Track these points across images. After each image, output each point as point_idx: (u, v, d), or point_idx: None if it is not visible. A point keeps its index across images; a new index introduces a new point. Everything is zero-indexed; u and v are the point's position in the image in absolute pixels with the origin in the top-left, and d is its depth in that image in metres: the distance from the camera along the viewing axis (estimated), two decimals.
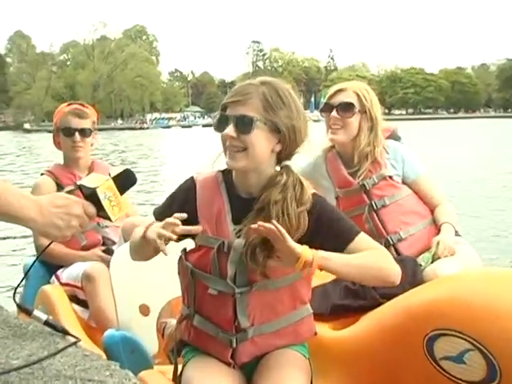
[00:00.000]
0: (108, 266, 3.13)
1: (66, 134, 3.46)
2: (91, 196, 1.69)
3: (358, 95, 2.82)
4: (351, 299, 2.50)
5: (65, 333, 1.80)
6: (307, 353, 1.97)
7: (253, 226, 1.67)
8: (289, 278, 1.85)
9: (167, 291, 2.53)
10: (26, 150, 34.33)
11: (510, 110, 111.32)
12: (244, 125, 1.77)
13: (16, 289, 1.89)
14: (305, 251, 1.68)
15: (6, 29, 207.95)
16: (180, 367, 1.96)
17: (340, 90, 2.86)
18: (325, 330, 2.32)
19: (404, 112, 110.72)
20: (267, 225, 1.65)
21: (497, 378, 1.80)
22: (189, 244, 1.94)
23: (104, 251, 3.32)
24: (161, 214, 1.90)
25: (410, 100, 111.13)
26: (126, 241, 2.97)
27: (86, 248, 3.32)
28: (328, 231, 1.82)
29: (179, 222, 1.71)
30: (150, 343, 2.54)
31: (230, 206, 1.87)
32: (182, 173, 1.93)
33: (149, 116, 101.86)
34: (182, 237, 1.83)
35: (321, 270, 1.75)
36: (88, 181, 1.75)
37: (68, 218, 1.60)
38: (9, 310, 2.05)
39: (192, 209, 1.87)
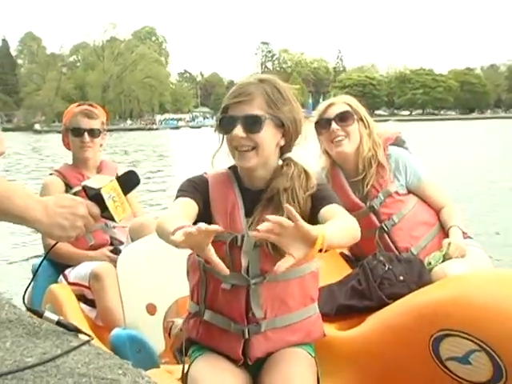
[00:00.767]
0: (115, 265, 3.17)
1: (75, 134, 3.48)
2: (95, 197, 1.70)
3: (349, 105, 2.84)
4: (357, 300, 2.50)
5: (78, 331, 1.83)
6: (313, 351, 1.99)
7: (261, 227, 1.49)
8: (298, 270, 1.88)
9: (174, 291, 2.54)
10: (35, 151, 34.39)
11: None
12: (253, 124, 1.82)
13: (25, 291, 1.90)
14: (319, 231, 1.52)
15: (17, 30, 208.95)
16: (186, 366, 1.97)
17: (330, 105, 2.86)
18: (331, 331, 2.32)
19: (413, 113, 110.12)
20: (275, 218, 1.48)
21: (502, 379, 1.81)
22: None
23: (112, 251, 3.35)
24: (183, 193, 1.88)
25: (419, 101, 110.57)
26: (133, 240, 3.00)
27: (93, 248, 3.36)
28: (319, 198, 1.87)
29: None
30: (157, 342, 2.55)
31: (242, 199, 1.91)
32: (193, 172, 1.95)
33: (158, 117, 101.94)
34: None
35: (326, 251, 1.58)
36: (92, 182, 1.77)
37: (73, 219, 1.60)
38: (22, 308, 2.08)
39: (205, 202, 1.91)
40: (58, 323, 1.82)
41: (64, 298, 3.12)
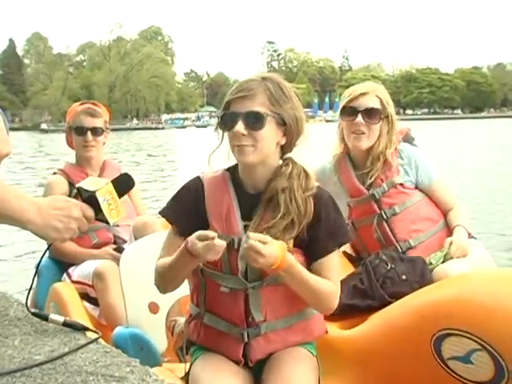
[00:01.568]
0: (119, 264, 3.18)
1: (78, 133, 3.47)
2: (90, 199, 1.70)
3: (380, 100, 2.80)
4: (359, 299, 2.50)
5: (85, 330, 1.84)
6: (315, 350, 1.98)
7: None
8: None
9: (176, 289, 2.54)
10: (39, 151, 34.45)
11: None
12: (255, 121, 1.79)
13: (28, 295, 1.90)
14: (281, 254, 1.70)
15: (24, 30, 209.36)
16: (188, 365, 1.97)
17: (363, 94, 2.80)
18: (333, 330, 2.31)
19: (419, 112, 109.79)
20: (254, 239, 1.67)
21: (504, 379, 1.80)
22: None
23: (115, 249, 3.35)
24: (172, 212, 1.94)
25: (425, 100, 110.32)
26: (136, 239, 3.01)
27: (97, 246, 3.37)
28: (324, 228, 1.86)
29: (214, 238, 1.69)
30: (159, 341, 2.54)
31: (238, 202, 1.89)
32: (197, 171, 1.96)
33: (164, 116, 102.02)
34: None
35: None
36: (87, 184, 1.76)
37: (67, 221, 1.60)
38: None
39: (201, 207, 1.90)
40: (65, 324, 1.83)
41: (68, 297, 3.13)
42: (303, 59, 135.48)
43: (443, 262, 2.60)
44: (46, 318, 1.85)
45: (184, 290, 2.41)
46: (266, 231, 1.78)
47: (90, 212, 1.69)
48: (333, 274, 1.88)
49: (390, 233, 2.79)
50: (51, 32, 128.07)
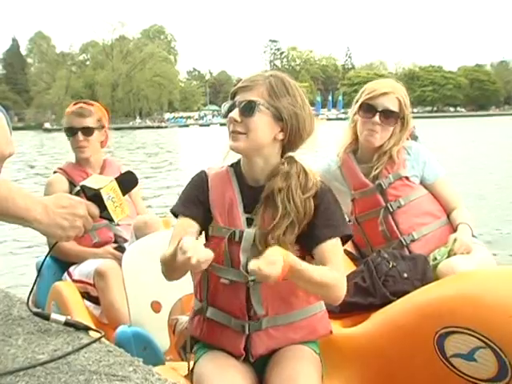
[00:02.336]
0: (120, 263, 3.18)
1: (69, 134, 3.46)
2: (94, 197, 1.71)
3: (399, 102, 2.80)
4: (361, 297, 2.50)
5: (87, 329, 1.84)
6: (318, 348, 1.98)
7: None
8: None
9: (178, 288, 2.52)
10: (37, 150, 34.53)
11: None
12: (248, 108, 1.83)
13: (30, 295, 1.90)
14: (284, 264, 1.65)
15: (27, 30, 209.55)
16: (192, 363, 1.98)
17: (385, 94, 2.79)
18: (335, 328, 2.29)
19: (422, 110, 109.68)
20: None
21: (508, 376, 1.81)
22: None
23: (116, 248, 3.36)
24: (182, 207, 1.95)
25: (428, 98, 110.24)
26: (137, 238, 3.00)
27: (97, 245, 3.37)
28: (321, 218, 1.86)
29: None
30: (162, 340, 2.55)
31: (241, 195, 1.92)
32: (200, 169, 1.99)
33: (167, 115, 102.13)
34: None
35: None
36: (91, 182, 1.77)
37: (72, 219, 1.61)
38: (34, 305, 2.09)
39: (205, 200, 1.93)
40: (66, 323, 1.83)
41: (69, 296, 3.14)
42: (306, 57, 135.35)
43: (447, 257, 2.60)
44: (47, 318, 1.85)
45: (186, 289, 2.41)
46: (271, 234, 1.80)
47: (95, 210, 1.70)
48: (334, 261, 1.84)
49: (394, 226, 2.79)
50: (54, 31, 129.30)
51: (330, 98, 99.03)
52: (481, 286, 2.02)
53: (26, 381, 1.45)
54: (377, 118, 2.78)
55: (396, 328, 2.16)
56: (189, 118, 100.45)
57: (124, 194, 1.78)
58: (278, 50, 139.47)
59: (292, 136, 1.87)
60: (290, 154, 1.93)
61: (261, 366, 1.91)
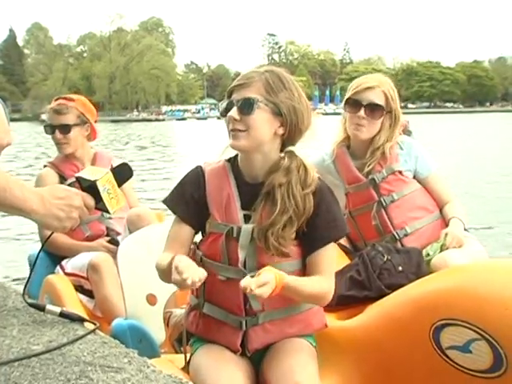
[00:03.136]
0: (113, 256, 3.14)
1: (47, 132, 3.46)
2: (90, 188, 1.72)
3: (385, 95, 2.81)
4: (357, 290, 2.51)
5: (82, 320, 1.85)
6: (314, 341, 2.00)
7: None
8: (295, 264, 1.88)
9: None
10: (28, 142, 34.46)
11: None
12: (246, 106, 1.82)
13: (26, 286, 1.91)
14: (277, 283, 1.70)
15: (24, 21, 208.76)
16: (188, 356, 1.98)
17: (369, 88, 2.81)
18: (331, 320, 2.31)
19: (419, 105, 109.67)
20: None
21: (503, 367, 1.82)
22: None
23: (109, 242, 3.36)
24: (174, 201, 1.95)
25: (426, 93, 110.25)
26: (131, 231, 3.00)
27: (90, 239, 3.37)
28: (323, 218, 1.87)
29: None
30: (157, 332, 2.55)
31: (238, 192, 1.91)
32: (198, 163, 1.97)
33: (164, 108, 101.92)
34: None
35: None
36: (86, 173, 1.78)
37: (69, 210, 1.62)
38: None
39: (202, 196, 1.92)
40: (62, 314, 1.83)
41: (62, 289, 3.14)
42: (304, 52, 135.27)
43: (440, 252, 2.62)
44: (42, 309, 1.86)
45: None
46: (270, 229, 1.80)
47: (91, 201, 1.71)
48: (328, 267, 1.90)
49: (387, 220, 2.80)
50: (51, 22, 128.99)
51: (327, 92, 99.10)
52: (476, 279, 2.03)
53: (21, 371, 1.46)
54: (362, 112, 2.79)
55: (392, 320, 2.16)
56: (186, 111, 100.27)
57: (119, 186, 1.79)
58: (276, 43, 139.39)
59: (291, 130, 1.87)
60: (290, 148, 1.91)
61: (257, 358, 1.92)
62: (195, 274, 1.63)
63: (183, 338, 2.03)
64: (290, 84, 1.87)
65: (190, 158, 19.66)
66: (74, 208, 1.64)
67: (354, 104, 2.83)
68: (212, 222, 1.90)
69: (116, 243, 3.30)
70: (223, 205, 1.90)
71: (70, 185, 3.16)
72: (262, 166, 1.89)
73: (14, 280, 5.53)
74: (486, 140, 27.72)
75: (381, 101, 2.81)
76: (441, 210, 2.88)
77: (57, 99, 3.54)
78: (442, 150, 19.33)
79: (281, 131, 1.86)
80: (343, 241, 2.98)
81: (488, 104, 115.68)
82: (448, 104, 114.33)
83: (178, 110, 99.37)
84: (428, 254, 2.62)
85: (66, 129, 3.41)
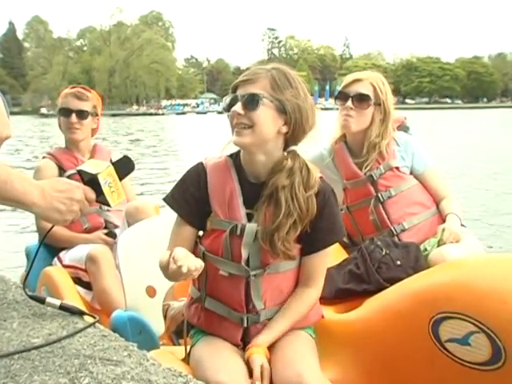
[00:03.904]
0: (111, 248, 3.13)
1: (63, 115, 3.45)
2: (91, 181, 1.72)
3: (374, 87, 2.84)
4: (355, 283, 2.52)
5: (82, 313, 1.85)
6: (314, 333, 2.02)
7: None
8: (293, 263, 1.90)
9: None
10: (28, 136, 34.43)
11: None
12: (251, 101, 1.80)
13: (25, 279, 1.91)
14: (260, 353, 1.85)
15: (24, 14, 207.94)
16: (188, 348, 1.99)
17: (357, 80, 2.86)
18: (329, 313, 2.34)
19: (419, 101, 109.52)
20: None
21: (501, 360, 1.83)
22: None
23: (107, 234, 3.37)
24: (175, 199, 1.94)
25: (426, 89, 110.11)
26: (129, 224, 3.00)
27: (88, 231, 3.37)
28: (326, 222, 1.89)
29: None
30: (157, 324, 2.57)
31: (241, 189, 1.90)
32: (197, 158, 1.97)
33: (164, 102, 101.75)
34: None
35: None
36: (88, 166, 1.78)
37: (69, 203, 1.62)
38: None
39: (204, 193, 1.90)
40: (61, 307, 1.84)
41: (60, 281, 3.13)
42: (304, 46, 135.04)
43: (437, 247, 2.64)
44: (43, 302, 1.86)
45: None
46: (276, 234, 1.80)
47: (92, 194, 1.71)
48: (319, 273, 1.95)
49: (385, 216, 2.82)
50: (51, 16, 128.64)
51: (327, 87, 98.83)
52: (475, 273, 2.04)
53: (21, 364, 1.46)
54: (349, 102, 2.83)
55: (391, 314, 2.17)
56: (186, 105, 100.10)
57: (121, 179, 1.79)
58: (276, 38, 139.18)
59: (295, 129, 1.86)
60: (293, 147, 1.91)
61: None
62: (191, 262, 1.62)
63: (184, 330, 2.03)
64: (296, 82, 1.86)
65: (189, 152, 19.65)
66: (75, 201, 1.64)
67: (342, 97, 2.88)
68: (214, 219, 1.89)
69: (114, 236, 3.32)
70: (226, 201, 1.88)
71: (69, 176, 3.17)
72: (264, 164, 1.87)
73: (10, 270, 5.51)
74: (485, 135, 27.70)
75: (368, 91, 2.84)
76: (437, 206, 2.90)
77: (73, 87, 3.56)
78: (441, 145, 19.34)
79: (284, 129, 1.85)
80: None
81: (486, 100, 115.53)
82: (448, 100, 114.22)
83: (178, 105, 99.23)
84: (425, 249, 2.64)
85: (83, 114, 3.43)
